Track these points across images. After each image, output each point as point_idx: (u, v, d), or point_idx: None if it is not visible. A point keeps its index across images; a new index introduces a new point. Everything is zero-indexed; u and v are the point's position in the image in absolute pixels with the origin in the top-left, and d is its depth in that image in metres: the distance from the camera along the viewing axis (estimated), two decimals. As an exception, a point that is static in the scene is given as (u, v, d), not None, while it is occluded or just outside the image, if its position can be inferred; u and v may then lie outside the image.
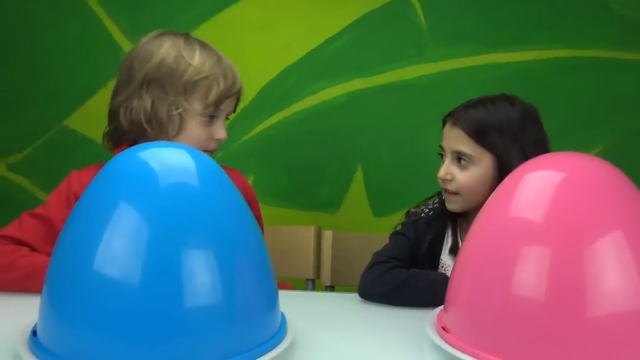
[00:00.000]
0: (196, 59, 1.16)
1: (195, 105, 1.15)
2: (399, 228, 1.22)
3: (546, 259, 0.74)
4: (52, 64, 1.76)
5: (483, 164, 1.11)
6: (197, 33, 1.67)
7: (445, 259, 1.18)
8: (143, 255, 0.70)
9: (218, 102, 1.17)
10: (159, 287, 0.70)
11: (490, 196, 0.84)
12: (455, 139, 1.13)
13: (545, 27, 1.68)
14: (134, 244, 0.70)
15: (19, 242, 1.06)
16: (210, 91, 1.15)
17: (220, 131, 1.19)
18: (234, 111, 1.25)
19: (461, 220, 1.20)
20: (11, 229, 1.08)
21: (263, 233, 1.33)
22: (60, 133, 1.77)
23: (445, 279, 0.93)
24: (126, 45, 1.74)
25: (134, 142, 1.16)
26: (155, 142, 0.81)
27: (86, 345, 0.70)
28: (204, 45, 1.20)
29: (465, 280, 0.83)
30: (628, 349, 0.72)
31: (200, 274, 0.72)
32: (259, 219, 1.33)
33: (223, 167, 1.25)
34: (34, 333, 0.77)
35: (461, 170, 1.13)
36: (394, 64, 1.71)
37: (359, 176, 1.74)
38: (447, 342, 0.81)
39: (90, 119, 1.75)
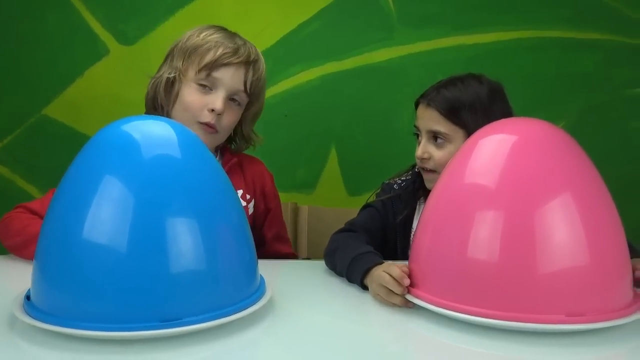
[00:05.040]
0: (207, 32, 1.20)
1: (190, 71, 1.18)
2: (372, 199, 1.28)
3: (499, 218, 0.80)
4: (30, 54, 1.75)
5: (457, 141, 1.15)
6: (172, 21, 1.71)
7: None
8: (129, 222, 0.74)
9: (210, 68, 1.16)
10: (143, 250, 0.74)
11: (450, 160, 0.90)
12: (430, 119, 1.17)
13: (507, 10, 1.73)
14: (120, 211, 0.74)
15: (36, 214, 1.13)
16: (205, 57, 1.17)
17: (215, 101, 1.17)
18: (246, 92, 1.21)
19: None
20: (34, 202, 1.16)
21: (281, 209, 1.40)
22: (40, 122, 1.77)
23: (355, 260, 0.99)
24: (103, 35, 1.75)
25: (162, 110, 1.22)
26: (137, 116, 0.84)
27: (76, 306, 0.74)
28: (228, 31, 1.23)
29: (426, 239, 0.89)
30: (572, 298, 0.78)
31: (182, 238, 0.76)
32: (277, 197, 1.38)
33: (246, 156, 1.31)
34: (27, 297, 0.81)
35: (437, 149, 1.17)
36: (365, 47, 1.75)
37: (333, 157, 1.78)
38: (412, 294, 0.87)
39: (69, 107, 1.77)
